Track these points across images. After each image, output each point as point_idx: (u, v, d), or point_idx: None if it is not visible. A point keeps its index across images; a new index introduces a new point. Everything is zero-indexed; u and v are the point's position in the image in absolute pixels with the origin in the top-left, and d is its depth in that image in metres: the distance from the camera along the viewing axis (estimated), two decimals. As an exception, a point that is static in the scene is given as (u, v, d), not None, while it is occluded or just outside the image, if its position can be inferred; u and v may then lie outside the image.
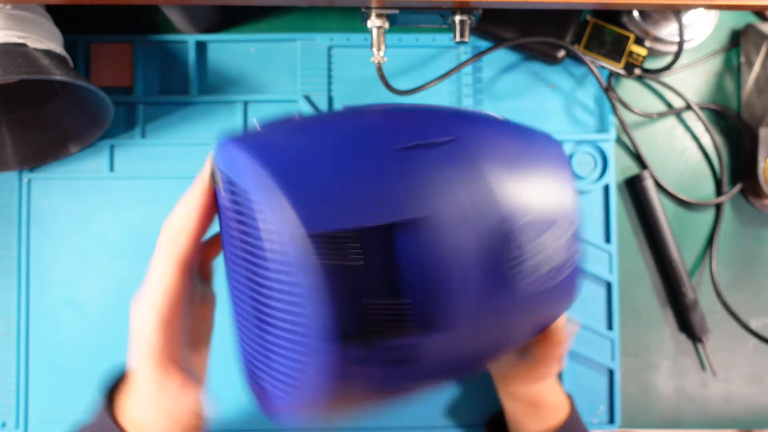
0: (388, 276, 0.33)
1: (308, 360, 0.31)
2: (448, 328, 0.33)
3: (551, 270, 0.37)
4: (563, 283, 0.38)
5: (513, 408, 0.53)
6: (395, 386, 0.35)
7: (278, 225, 0.30)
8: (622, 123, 0.62)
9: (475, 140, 0.36)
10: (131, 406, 0.37)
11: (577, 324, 0.60)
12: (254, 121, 0.48)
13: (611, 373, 0.61)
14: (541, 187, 0.37)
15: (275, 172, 0.31)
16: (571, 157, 0.62)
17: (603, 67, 0.61)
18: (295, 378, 0.32)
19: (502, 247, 0.34)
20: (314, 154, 0.33)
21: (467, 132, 0.37)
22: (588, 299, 0.61)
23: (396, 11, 0.52)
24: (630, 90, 0.64)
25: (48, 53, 0.52)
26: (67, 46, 0.57)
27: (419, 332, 0.33)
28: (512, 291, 0.35)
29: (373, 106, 0.41)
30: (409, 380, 0.35)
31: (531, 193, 0.36)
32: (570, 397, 0.53)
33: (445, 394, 0.61)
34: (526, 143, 0.39)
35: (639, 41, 0.60)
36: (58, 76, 0.49)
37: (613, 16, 0.62)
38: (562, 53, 0.60)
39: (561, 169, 0.39)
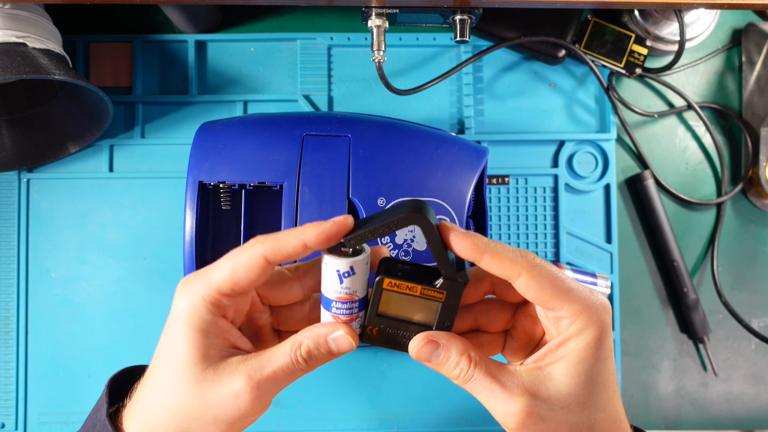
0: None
1: None
2: None
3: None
4: None
5: None
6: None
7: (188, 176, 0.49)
8: (623, 122, 0.62)
9: (366, 140, 0.49)
10: (141, 408, 0.32)
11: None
12: None
13: (612, 374, 0.61)
14: (421, 179, 0.48)
15: (199, 144, 0.49)
16: (571, 156, 0.62)
17: (604, 67, 0.61)
18: None
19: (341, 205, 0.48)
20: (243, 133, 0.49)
21: (363, 134, 0.49)
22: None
23: (396, 10, 0.52)
24: (631, 89, 0.64)
25: (47, 53, 0.51)
26: (67, 45, 0.57)
27: None
28: None
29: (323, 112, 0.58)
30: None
31: (410, 181, 0.48)
32: None
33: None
34: (432, 148, 0.50)
35: (640, 40, 0.60)
36: (58, 75, 0.48)
37: (614, 15, 0.62)
38: (562, 53, 0.60)
39: (461, 172, 0.49)
